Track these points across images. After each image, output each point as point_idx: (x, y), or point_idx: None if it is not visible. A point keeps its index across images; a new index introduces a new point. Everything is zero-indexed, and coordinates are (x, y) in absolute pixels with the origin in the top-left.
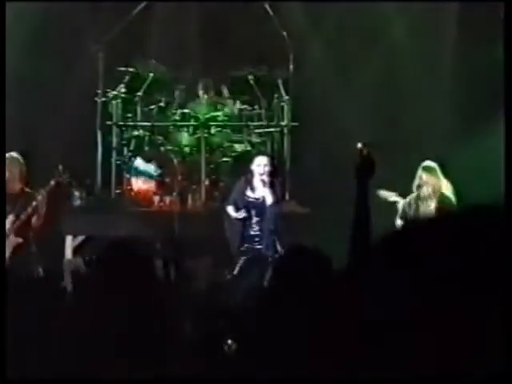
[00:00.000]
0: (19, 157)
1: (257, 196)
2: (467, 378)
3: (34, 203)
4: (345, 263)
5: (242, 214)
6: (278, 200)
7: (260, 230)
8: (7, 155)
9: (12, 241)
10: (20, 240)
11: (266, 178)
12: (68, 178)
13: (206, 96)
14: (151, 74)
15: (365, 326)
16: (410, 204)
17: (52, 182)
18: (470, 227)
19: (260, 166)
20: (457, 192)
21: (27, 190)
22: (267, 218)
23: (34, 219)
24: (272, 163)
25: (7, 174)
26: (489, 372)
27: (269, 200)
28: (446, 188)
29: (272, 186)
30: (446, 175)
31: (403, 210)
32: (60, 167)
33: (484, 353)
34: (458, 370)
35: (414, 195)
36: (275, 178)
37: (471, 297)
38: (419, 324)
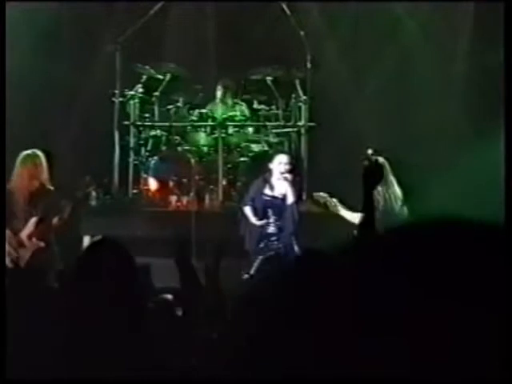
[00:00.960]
0: (38, 153)
1: (275, 194)
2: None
3: (59, 210)
4: (353, 265)
5: (261, 222)
6: (298, 199)
7: (278, 229)
8: (26, 152)
9: (34, 243)
10: (42, 244)
11: (287, 176)
12: (94, 188)
13: (224, 96)
14: (168, 74)
15: (366, 328)
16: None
17: (78, 194)
18: (470, 234)
19: (281, 164)
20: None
21: (49, 187)
22: (287, 216)
23: (56, 222)
24: (292, 162)
25: (25, 171)
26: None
27: (290, 198)
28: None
29: (293, 184)
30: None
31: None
32: (87, 178)
33: (480, 355)
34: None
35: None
36: (296, 177)
37: (471, 300)
38: (422, 325)
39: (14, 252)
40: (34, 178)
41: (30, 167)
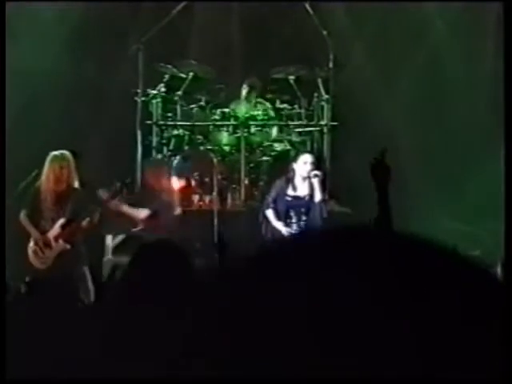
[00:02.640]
0: (66, 154)
1: (298, 194)
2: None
3: (88, 213)
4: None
5: (284, 228)
6: (324, 198)
7: (300, 229)
8: (53, 153)
9: (60, 245)
10: (68, 246)
11: (317, 172)
12: (124, 195)
13: (249, 94)
14: (191, 74)
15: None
16: None
17: (106, 198)
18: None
19: (307, 163)
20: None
21: (76, 188)
22: (314, 215)
23: (85, 224)
24: (317, 161)
25: (52, 172)
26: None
27: (318, 196)
28: None
29: (319, 183)
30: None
31: None
32: (118, 184)
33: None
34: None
35: None
36: (321, 176)
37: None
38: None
39: (40, 253)
40: (61, 179)
41: (56, 168)
